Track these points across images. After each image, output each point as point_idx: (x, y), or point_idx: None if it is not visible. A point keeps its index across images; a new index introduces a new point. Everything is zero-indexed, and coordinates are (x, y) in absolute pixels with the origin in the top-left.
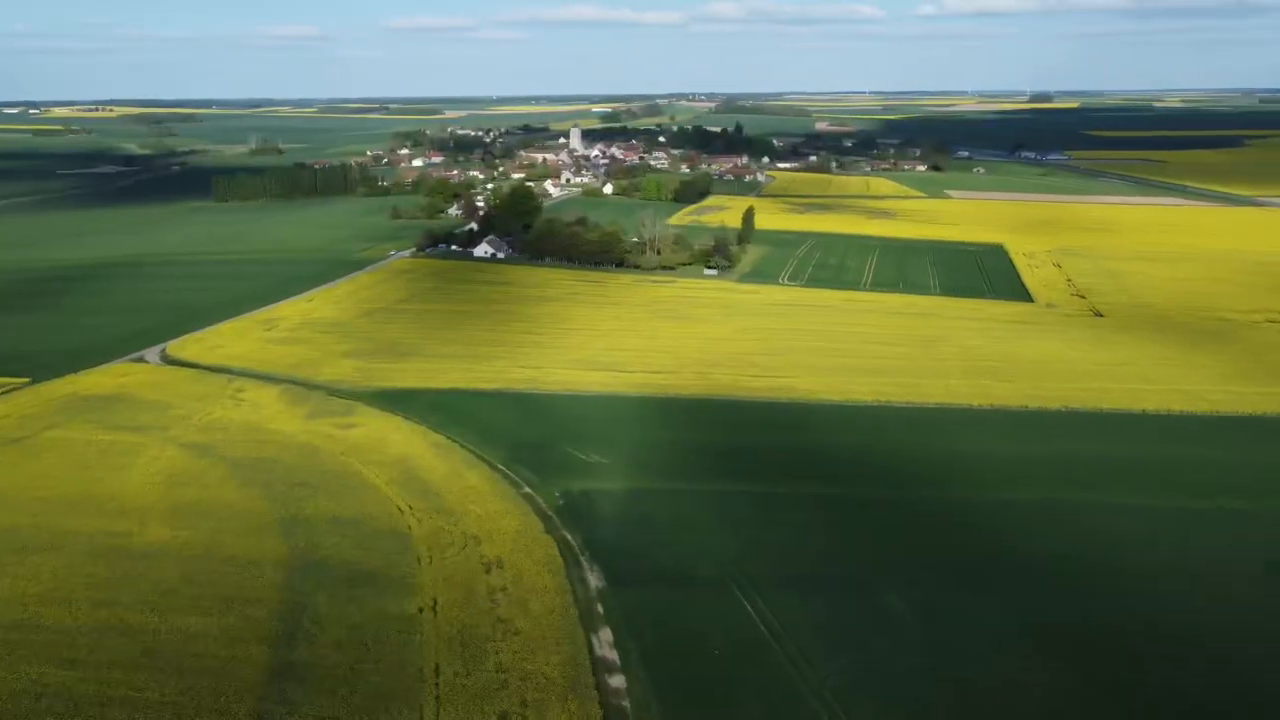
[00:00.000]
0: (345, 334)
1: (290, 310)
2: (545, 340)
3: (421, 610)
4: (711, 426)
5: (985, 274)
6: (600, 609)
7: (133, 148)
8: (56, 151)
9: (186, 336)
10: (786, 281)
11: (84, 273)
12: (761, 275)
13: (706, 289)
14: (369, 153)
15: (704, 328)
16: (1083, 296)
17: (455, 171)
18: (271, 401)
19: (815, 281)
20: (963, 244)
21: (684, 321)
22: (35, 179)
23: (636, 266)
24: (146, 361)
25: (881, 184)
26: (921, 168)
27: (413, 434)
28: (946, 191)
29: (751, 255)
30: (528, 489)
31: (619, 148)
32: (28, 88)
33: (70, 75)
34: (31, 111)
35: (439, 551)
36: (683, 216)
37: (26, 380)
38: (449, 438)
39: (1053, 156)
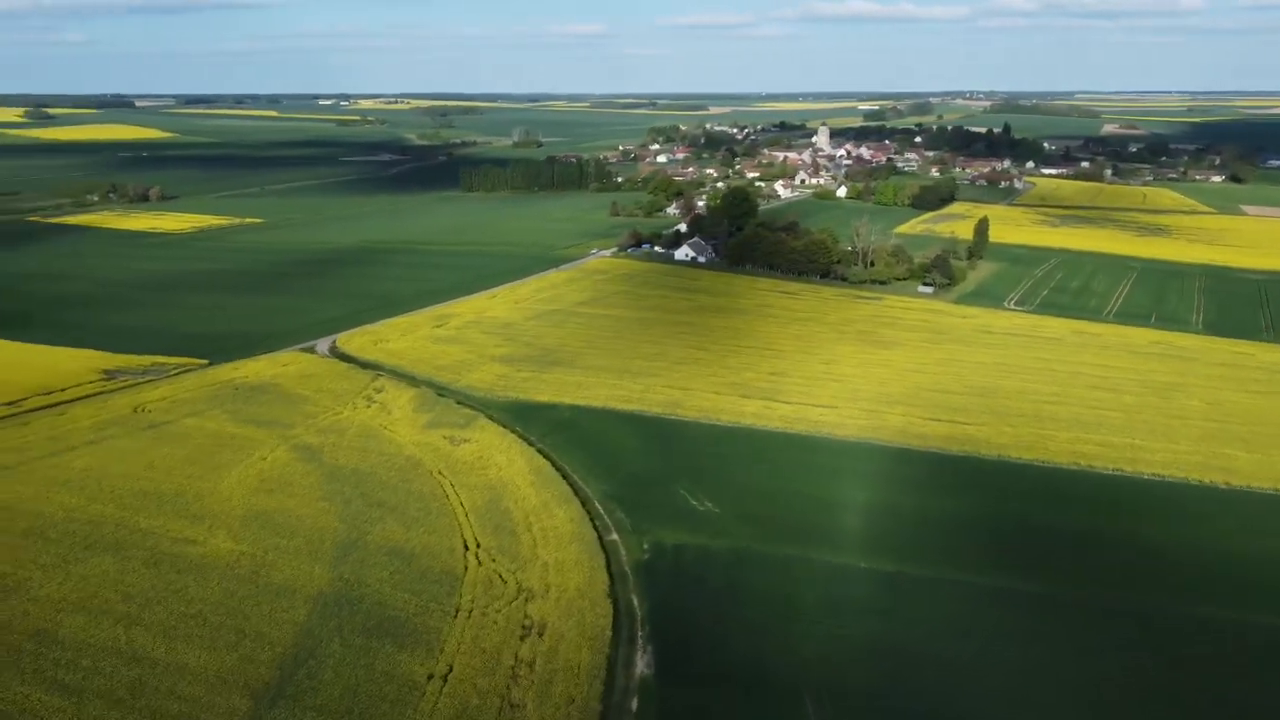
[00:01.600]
0: (508, 336)
1: (468, 307)
2: (708, 357)
3: (431, 678)
4: (856, 478)
5: (1268, 310)
6: (634, 706)
7: (412, 138)
8: (349, 140)
9: (364, 327)
10: (1012, 306)
11: (319, 257)
12: (985, 296)
13: (914, 309)
14: (621, 147)
15: (895, 354)
16: None
17: (691, 169)
18: (401, 405)
19: (1047, 307)
20: (1247, 271)
21: (874, 346)
22: (325, 165)
23: (843, 279)
24: (315, 351)
25: (1162, 195)
26: (1218, 178)
27: (520, 456)
28: (1242, 207)
29: (980, 272)
30: (615, 535)
31: (868, 147)
32: (342, 81)
33: (379, 70)
34: (343, 103)
35: (482, 605)
36: (914, 224)
37: (205, 362)
38: (557, 463)
39: None
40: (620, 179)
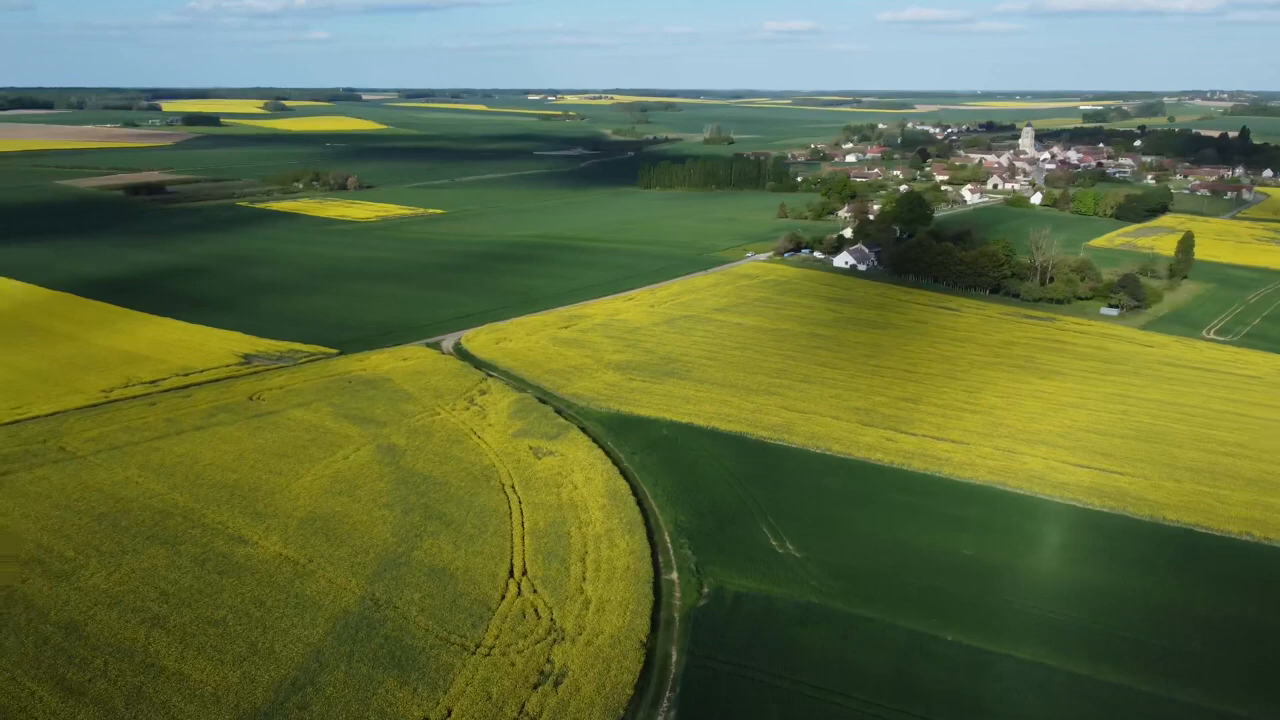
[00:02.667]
0: (630, 341)
1: (602, 308)
2: (838, 376)
3: None
4: (973, 530)
5: None
6: None
7: (608, 133)
8: (547, 135)
9: (494, 324)
10: (1211, 335)
11: (477, 250)
12: (1179, 322)
13: (1089, 333)
14: (813, 146)
15: (1054, 385)
16: None
17: (875, 170)
18: (499, 410)
19: (1255, 340)
20: None
21: (1031, 374)
22: (518, 159)
23: (1016, 295)
24: (439, 347)
25: None
26: None
27: (600, 475)
28: None
29: (1180, 294)
30: (674, 574)
31: (1078, 150)
32: (552, 77)
33: (587, 66)
34: (550, 98)
35: (505, 643)
36: (1112, 237)
37: (335, 352)
38: (637, 486)
39: None
40: (800, 179)
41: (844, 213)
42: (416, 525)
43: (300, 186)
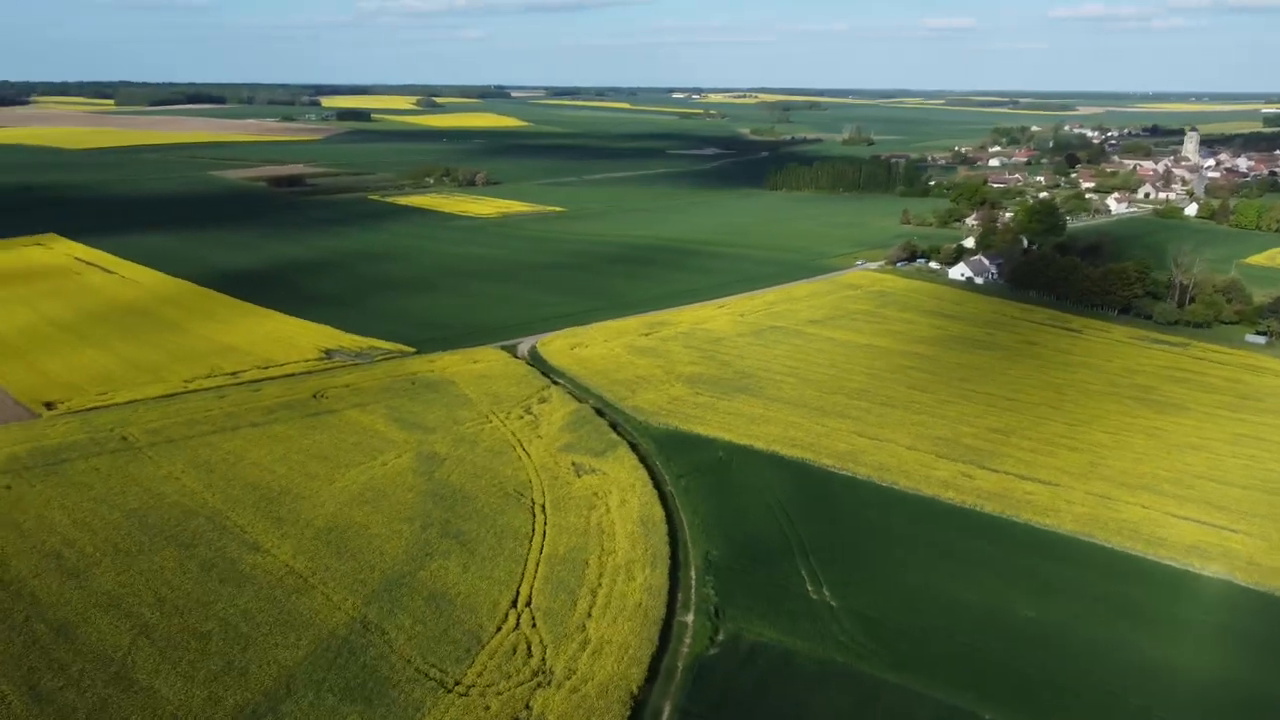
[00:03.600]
0: (709, 352)
1: (690, 315)
2: (924, 401)
3: None
4: (1046, 593)
5: None
6: None
7: (745, 133)
8: (683, 134)
9: (575, 328)
10: None
11: (584, 249)
12: None
13: (1228, 363)
14: (957, 148)
15: (1172, 422)
16: None
17: (1016, 176)
18: (553, 421)
19: None
20: None
21: (1149, 408)
22: (650, 158)
23: (1148, 317)
24: (515, 351)
25: None
26: None
27: (638, 499)
28: None
29: None
30: (690, 616)
31: (1250, 157)
32: (698, 75)
33: (733, 64)
34: (694, 96)
35: (486, 684)
36: (1274, 255)
37: (412, 351)
38: (673, 513)
39: None
40: (933, 183)
41: (971, 220)
42: (431, 543)
43: (431, 181)
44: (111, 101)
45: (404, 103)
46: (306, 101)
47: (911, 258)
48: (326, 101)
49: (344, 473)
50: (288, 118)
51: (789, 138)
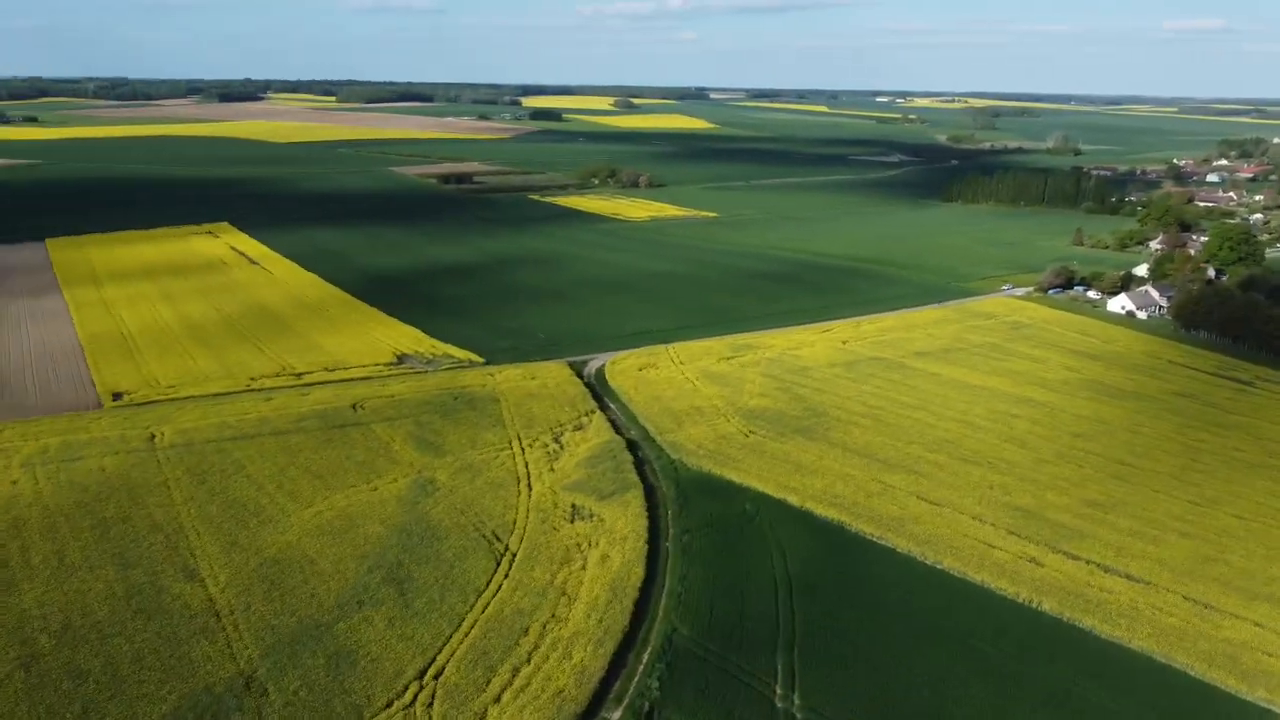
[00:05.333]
0: (785, 384)
1: (786, 339)
2: (1015, 459)
3: None
4: (1067, 712)
5: None
6: None
7: (941, 139)
8: (874, 139)
9: (653, 347)
10: None
11: (716, 259)
12: None
13: None
14: (1177, 161)
15: None
16: None
17: (1230, 195)
18: (577, 453)
19: None
20: None
21: None
22: (830, 164)
23: None
24: (582, 368)
25: None
26: None
27: (620, 557)
28: None
29: None
30: (616, 714)
31: None
32: (903, 78)
33: (943, 67)
34: (898, 100)
35: None
36: None
37: (481, 361)
38: (657, 577)
39: None
40: (1131, 199)
41: (1154, 244)
42: (370, 588)
43: (596, 183)
44: (334, 99)
45: (602, 103)
46: (508, 101)
47: (1067, 284)
48: (528, 101)
49: (328, 496)
50: (483, 116)
51: (987, 145)
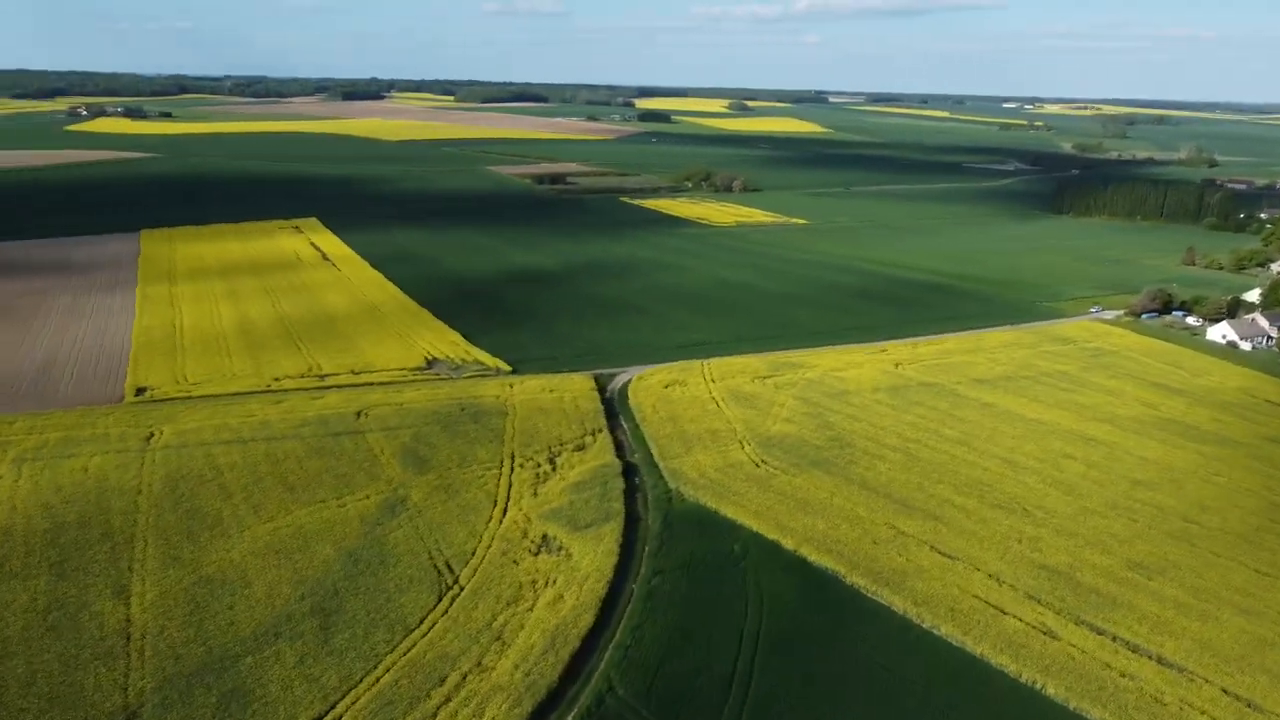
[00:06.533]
0: (817, 410)
1: (833, 359)
2: (1057, 507)
3: None
4: None
5: None
6: None
7: (1065, 147)
8: (996, 146)
9: (687, 362)
10: None
11: (795, 269)
12: None
13: None
14: None
15: None
16: None
17: None
18: (566, 476)
19: None
20: None
21: None
22: (942, 171)
23: None
24: (610, 381)
25: None
26: None
27: (575, 599)
28: None
29: None
30: None
31: None
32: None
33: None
34: (1026, 107)
35: None
36: None
37: (508, 369)
38: (606, 627)
39: None
40: (1263, 215)
41: (1277, 266)
42: (293, 619)
43: (689, 186)
44: (452, 98)
45: (716, 106)
46: (621, 103)
47: (1164, 309)
48: (641, 103)
49: (292, 511)
50: (592, 117)
51: (1114, 155)
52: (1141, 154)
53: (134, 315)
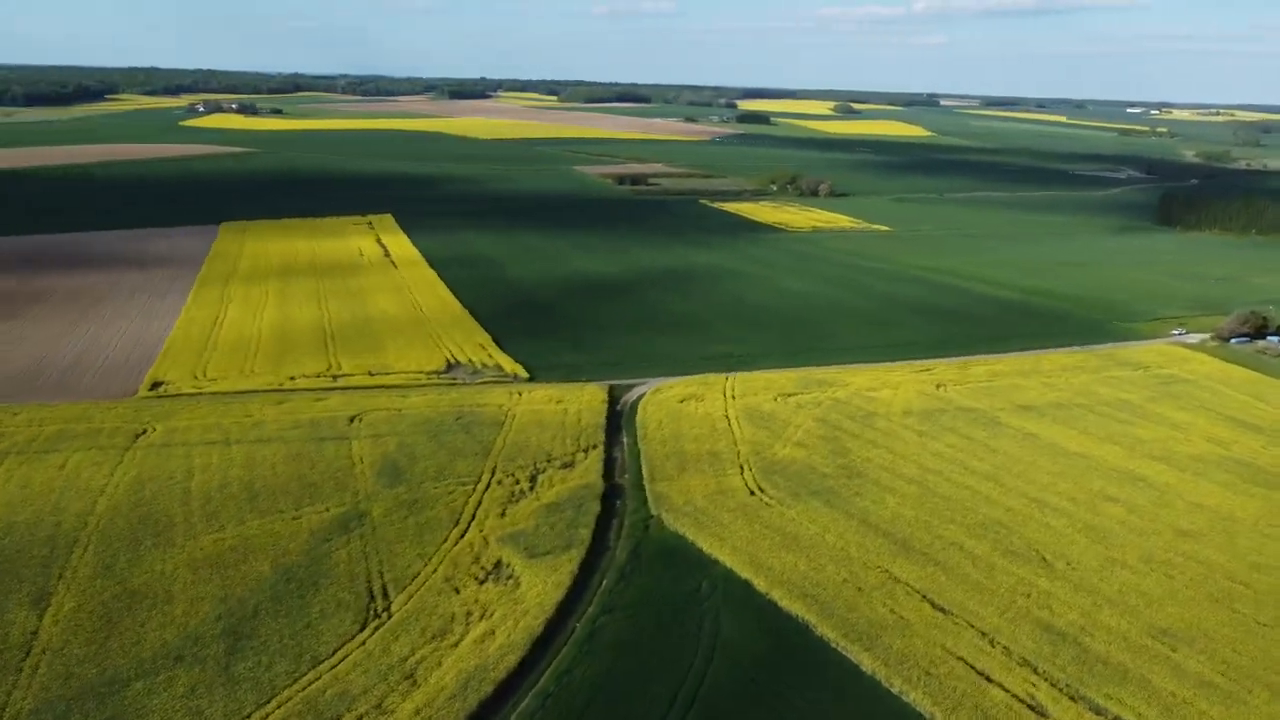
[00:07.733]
0: (833, 434)
1: (869, 379)
2: (1084, 558)
3: None
4: None
5: None
6: None
7: (1188, 155)
8: (1110, 154)
9: (709, 376)
10: None
11: (862, 278)
12: None
13: None
14: None
15: None
16: None
17: None
18: (545, 495)
19: None
20: None
21: None
22: (1045, 178)
23: None
24: (625, 392)
25: None
26: None
27: (506, 638)
28: None
29: None
30: None
31: None
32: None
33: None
34: (1152, 112)
35: None
36: None
37: (525, 376)
38: (534, 673)
39: None
40: None
41: None
42: (203, 640)
43: (774, 189)
44: (556, 98)
45: (820, 108)
46: (723, 104)
47: (1257, 333)
48: (745, 104)
49: (245, 522)
50: (690, 118)
51: (1243, 164)
52: (1274, 164)
53: (178, 314)
